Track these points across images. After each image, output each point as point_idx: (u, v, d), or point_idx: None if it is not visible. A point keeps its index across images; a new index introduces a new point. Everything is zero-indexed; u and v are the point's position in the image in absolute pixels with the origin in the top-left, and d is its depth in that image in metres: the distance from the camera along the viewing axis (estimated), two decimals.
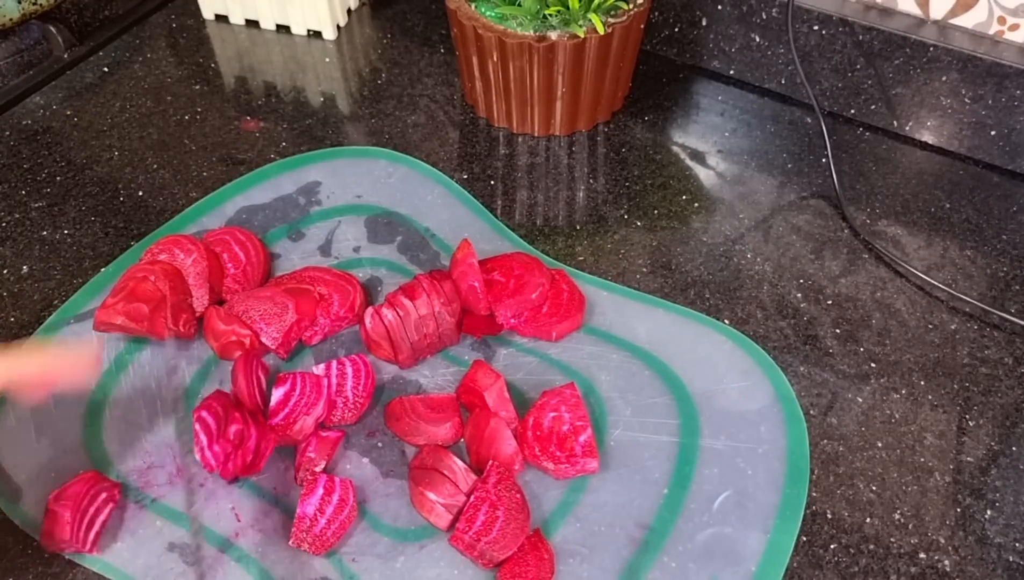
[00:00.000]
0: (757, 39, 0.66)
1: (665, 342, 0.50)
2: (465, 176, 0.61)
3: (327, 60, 0.72)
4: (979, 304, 0.53)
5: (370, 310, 0.48)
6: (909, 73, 0.61)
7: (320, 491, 0.42)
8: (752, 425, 0.46)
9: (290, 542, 0.41)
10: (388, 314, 0.48)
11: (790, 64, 0.65)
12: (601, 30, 0.56)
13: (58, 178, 0.61)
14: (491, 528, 0.40)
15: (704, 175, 0.62)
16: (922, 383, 0.49)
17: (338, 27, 0.74)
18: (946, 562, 0.42)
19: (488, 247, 0.55)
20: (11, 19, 0.68)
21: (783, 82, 0.67)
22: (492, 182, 0.61)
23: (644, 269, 0.55)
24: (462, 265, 0.49)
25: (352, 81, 0.70)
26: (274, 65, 0.71)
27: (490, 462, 0.43)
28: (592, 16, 0.56)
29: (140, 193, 0.60)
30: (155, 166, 0.62)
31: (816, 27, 0.62)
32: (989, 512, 0.44)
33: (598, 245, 0.57)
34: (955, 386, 0.49)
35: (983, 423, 0.47)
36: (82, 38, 0.73)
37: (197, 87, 0.69)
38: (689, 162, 0.63)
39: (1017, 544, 0.43)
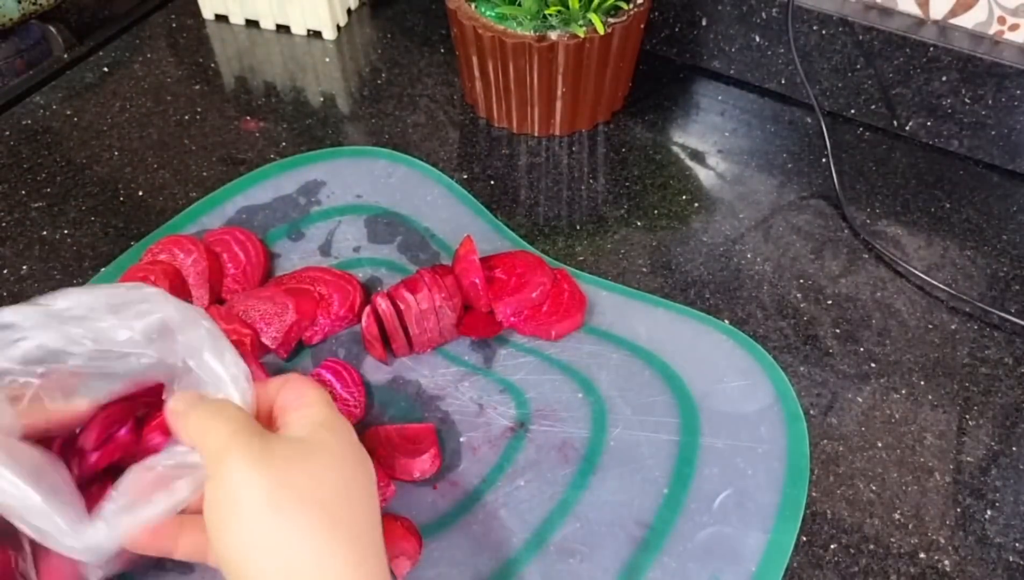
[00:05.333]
0: (757, 39, 0.66)
1: (665, 341, 0.50)
2: (465, 176, 0.61)
3: (327, 60, 0.72)
4: (979, 304, 0.53)
5: (367, 309, 0.48)
6: (909, 73, 0.61)
7: None
8: (752, 425, 0.46)
9: None
10: (382, 304, 0.47)
11: (790, 64, 0.65)
12: (601, 30, 0.56)
13: (58, 178, 0.61)
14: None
15: (704, 175, 0.62)
16: (922, 383, 0.49)
17: (338, 27, 0.74)
18: (946, 562, 0.42)
19: (488, 247, 0.55)
20: (11, 19, 0.68)
21: (783, 82, 0.67)
22: (492, 182, 0.61)
23: (644, 269, 0.55)
24: (464, 261, 0.49)
25: (352, 81, 0.70)
26: (274, 65, 0.71)
27: None
28: (592, 16, 0.56)
29: (140, 193, 0.60)
30: (155, 166, 0.62)
31: (816, 27, 0.62)
32: (989, 512, 0.44)
33: (598, 245, 0.57)
34: (955, 386, 0.49)
35: (983, 423, 0.47)
36: (82, 38, 0.73)
37: (197, 87, 0.69)
38: (689, 162, 0.63)
39: (1017, 544, 0.43)
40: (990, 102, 0.59)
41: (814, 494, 0.44)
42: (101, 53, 0.72)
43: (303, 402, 0.35)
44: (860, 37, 0.61)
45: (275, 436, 0.33)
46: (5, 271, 0.55)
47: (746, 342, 0.50)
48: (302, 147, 0.63)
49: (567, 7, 0.57)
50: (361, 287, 0.52)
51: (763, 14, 0.64)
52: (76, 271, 0.55)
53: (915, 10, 0.62)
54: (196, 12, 0.76)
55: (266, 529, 0.30)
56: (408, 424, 0.46)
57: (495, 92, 0.63)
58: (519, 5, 0.58)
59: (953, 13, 0.61)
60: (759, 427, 0.46)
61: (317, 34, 0.74)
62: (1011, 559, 0.42)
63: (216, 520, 0.31)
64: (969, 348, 0.51)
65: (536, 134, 0.65)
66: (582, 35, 0.57)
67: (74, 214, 0.58)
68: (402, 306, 0.47)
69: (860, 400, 0.48)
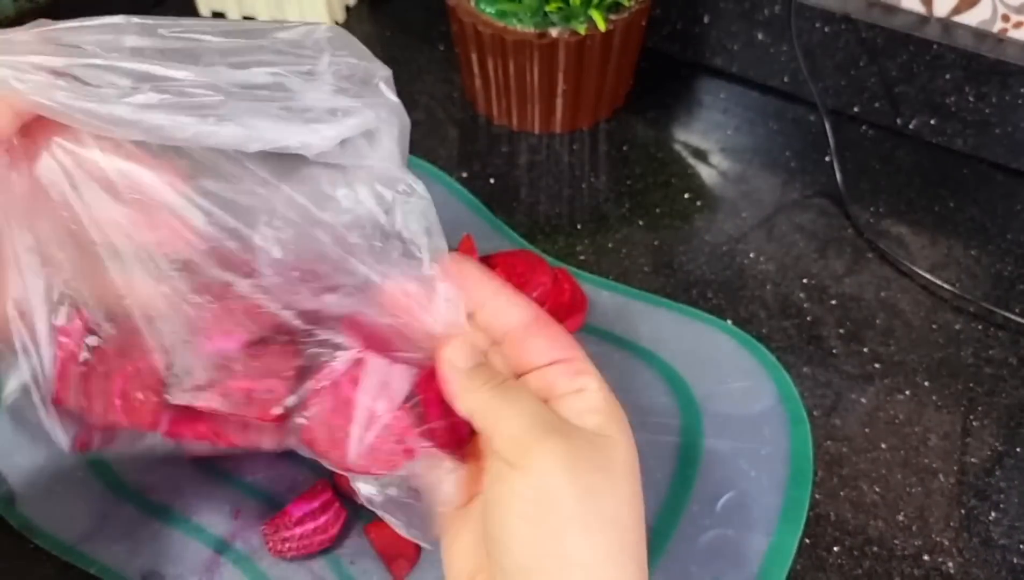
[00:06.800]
0: (760, 36, 0.65)
1: (667, 342, 0.50)
2: (464, 174, 0.61)
3: None
4: (984, 304, 0.52)
5: None
6: (912, 71, 0.61)
7: (316, 504, 0.41)
8: (755, 426, 0.46)
9: (262, 528, 0.41)
10: None
11: (793, 61, 0.65)
12: (602, 27, 0.56)
13: None
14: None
15: (706, 173, 0.61)
16: (926, 384, 0.49)
17: (336, 23, 0.73)
18: (950, 564, 0.42)
19: (488, 246, 0.55)
20: (7, 16, 0.68)
21: (786, 80, 0.67)
22: (492, 180, 0.61)
23: (646, 268, 0.55)
24: None
25: None
26: None
27: None
28: (593, 12, 0.56)
29: None
30: None
31: (819, 24, 0.62)
32: (993, 514, 0.44)
33: (599, 244, 0.56)
34: (959, 387, 0.49)
35: (987, 424, 0.47)
36: None
37: None
38: (691, 160, 0.62)
39: (1021, 546, 0.42)
40: (994, 100, 0.59)
41: (817, 496, 0.44)
42: None
43: (576, 376, 0.30)
44: (863, 34, 0.61)
45: (574, 430, 0.29)
46: None
47: (749, 342, 0.50)
48: None
49: (568, 4, 0.56)
50: None
51: (766, 11, 0.64)
52: None
53: (919, 7, 0.61)
54: (192, 9, 0.75)
55: (573, 547, 0.27)
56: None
57: (495, 89, 0.63)
58: (520, 2, 0.57)
59: (957, 10, 0.60)
60: (762, 428, 0.46)
61: None
62: (1015, 561, 0.42)
63: (519, 517, 0.27)
64: (973, 348, 0.50)
65: (537, 132, 0.64)
66: (583, 32, 0.56)
67: None
68: None
69: (864, 401, 0.48)
